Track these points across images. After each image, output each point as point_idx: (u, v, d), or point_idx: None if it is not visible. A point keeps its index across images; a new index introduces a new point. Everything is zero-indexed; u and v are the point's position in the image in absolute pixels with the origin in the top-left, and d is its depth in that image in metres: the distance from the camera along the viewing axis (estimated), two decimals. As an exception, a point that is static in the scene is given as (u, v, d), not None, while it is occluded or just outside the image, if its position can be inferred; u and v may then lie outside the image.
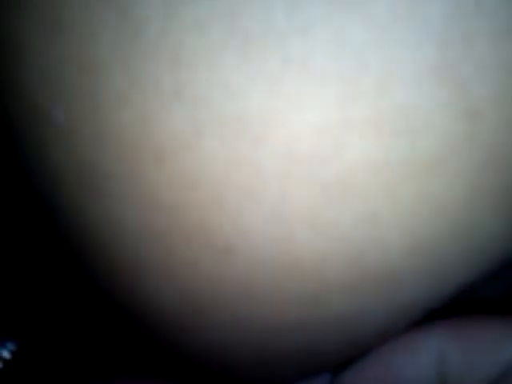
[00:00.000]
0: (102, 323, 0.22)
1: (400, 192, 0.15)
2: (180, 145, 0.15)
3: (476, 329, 0.20)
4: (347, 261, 0.15)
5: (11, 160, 0.17)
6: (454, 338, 0.19)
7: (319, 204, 0.15)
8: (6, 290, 0.25)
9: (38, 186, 0.17)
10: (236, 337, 0.17)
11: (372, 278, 0.16)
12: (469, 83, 0.14)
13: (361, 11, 0.13)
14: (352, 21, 0.13)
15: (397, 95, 0.14)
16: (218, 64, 0.14)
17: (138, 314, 0.18)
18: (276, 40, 0.14)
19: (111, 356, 0.24)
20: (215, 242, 0.15)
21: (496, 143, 0.15)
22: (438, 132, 0.14)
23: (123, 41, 0.14)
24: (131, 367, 0.22)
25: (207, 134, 0.14)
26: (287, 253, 0.15)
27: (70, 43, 0.15)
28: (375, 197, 0.15)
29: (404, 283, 0.16)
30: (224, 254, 0.15)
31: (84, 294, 0.20)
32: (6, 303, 0.26)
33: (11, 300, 0.26)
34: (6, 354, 0.25)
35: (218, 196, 0.15)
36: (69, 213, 0.17)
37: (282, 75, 0.14)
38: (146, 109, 0.14)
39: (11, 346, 0.25)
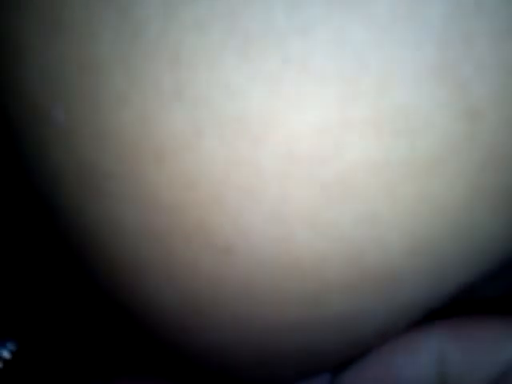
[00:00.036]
0: (101, 323, 0.22)
1: (400, 192, 0.15)
2: (180, 145, 0.15)
3: (476, 329, 0.20)
4: (347, 261, 0.15)
5: (11, 160, 0.17)
6: (454, 338, 0.19)
7: (319, 204, 0.15)
8: (6, 290, 0.25)
9: (38, 186, 0.17)
10: (236, 337, 0.17)
11: (372, 278, 0.16)
12: (469, 83, 0.14)
13: (361, 11, 0.13)
14: (352, 21, 0.13)
15: (397, 95, 0.14)
16: (218, 64, 0.14)
17: (138, 314, 0.18)
18: (276, 40, 0.14)
19: (111, 356, 0.24)
20: (215, 242, 0.15)
21: (496, 143, 0.15)
22: (438, 132, 0.14)
23: (123, 41, 0.14)
24: (131, 367, 0.22)
25: (207, 134, 0.14)
26: (287, 253, 0.15)
27: (69, 43, 0.15)
28: (375, 197, 0.15)
29: (404, 283, 0.16)
30: (224, 254, 0.15)
31: (84, 294, 0.20)
32: (6, 303, 0.26)
33: (11, 300, 0.26)
34: (5, 354, 0.25)
35: (218, 196, 0.15)
36: (69, 213, 0.17)
37: (282, 75, 0.14)
38: (146, 109, 0.14)
39: (11, 345, 0.25)
